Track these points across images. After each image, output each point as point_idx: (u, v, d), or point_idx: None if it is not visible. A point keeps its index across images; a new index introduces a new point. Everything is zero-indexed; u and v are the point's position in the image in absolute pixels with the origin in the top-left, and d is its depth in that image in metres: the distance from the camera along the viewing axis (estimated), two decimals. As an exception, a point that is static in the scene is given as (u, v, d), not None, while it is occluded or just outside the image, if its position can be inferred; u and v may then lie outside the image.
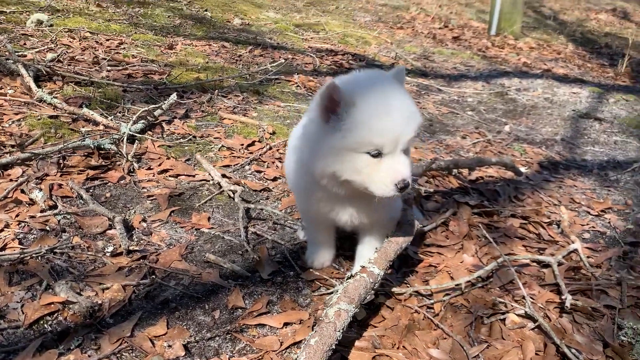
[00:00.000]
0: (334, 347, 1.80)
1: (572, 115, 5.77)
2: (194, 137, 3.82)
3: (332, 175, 1.92)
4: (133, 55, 5.38)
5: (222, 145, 3.77)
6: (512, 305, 2.43)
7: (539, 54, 9.01)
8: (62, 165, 3.10)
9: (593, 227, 3.40)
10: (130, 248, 2.49)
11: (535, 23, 12.25)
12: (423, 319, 2.31)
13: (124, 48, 5.56)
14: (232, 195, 3.10)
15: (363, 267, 2.11)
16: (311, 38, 7.64)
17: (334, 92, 1.80)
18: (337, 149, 1.85)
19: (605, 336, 2.31)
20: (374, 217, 2.22)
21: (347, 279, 2.07)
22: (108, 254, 2.45)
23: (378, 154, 1.84)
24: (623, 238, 3.27)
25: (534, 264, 2.83)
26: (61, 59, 4.78)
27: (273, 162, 3.65)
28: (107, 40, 5.71)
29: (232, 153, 3.70)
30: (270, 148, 3.84)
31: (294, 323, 2.21)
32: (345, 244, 2.68)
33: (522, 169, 4.08)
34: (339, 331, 1.84)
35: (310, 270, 2.52)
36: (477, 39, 9.43)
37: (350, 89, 1.82)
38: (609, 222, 3.48)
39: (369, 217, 2.20)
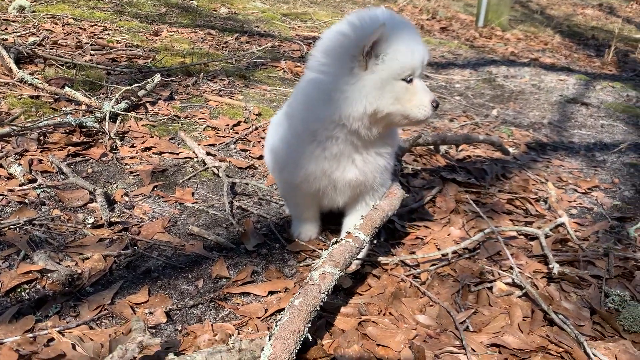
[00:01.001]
0: (318, 308, 1.76)
1: (559, 101, 5.77)
2: (178, 117, 3.77)
3: (374, 113, 1.96)
4: (117, 40, 5.31)
5: (207, 126, 3.72)
6: (499, 274, 2.41)
7: (526, 44, 9.03)
8: (42, 141, 3.03)
9: (580, 203, 3.39)
10: (112, 220, 2.44)
11: (523, 17, 12.28)
12: (409, 287, 2.28)
13: (108, 34, 5.48)
14: (216, 171, 3.06)
15: (348, 232, 2.07)
16: (298, 27, 7.59)
17: (382, 32, 1.86)
18: (379, 83, 1.92)
19: (592, 303, 2.29)
20: (376, 175, 2.22)
21: (332, 245, 2.03)
22: (89, 226, 2.40)
23: (410, 79, 1.96)
24: (610, 214, 3.27)
25: (521, 236, 2.82)
26: (43, 42, 4.69)
27: (259, 142, 3.60)
28: (91, 26, 5.62)
29: (217, 133, 3.65)
30: (257, 128, 3.79)
31: (279, 291, 2.18)
32: (332, 220, 2.64)
33: (510, 150, 4.07)
34: (324, 293, 1.81)
35: (297, 241, 2.47)
36: (464, 30, 9.44)
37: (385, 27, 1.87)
38: (596, 199, 3.48)
39: (372, 170, 2.19)
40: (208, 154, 3.24)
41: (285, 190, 2.52)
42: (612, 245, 2.79)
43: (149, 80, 3.95)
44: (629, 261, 2.65)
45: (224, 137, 3.60)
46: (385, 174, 2.29)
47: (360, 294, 2.20)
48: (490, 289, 2.33)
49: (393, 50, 1.91)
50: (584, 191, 3.59)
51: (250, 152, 3.43)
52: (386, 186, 2.37)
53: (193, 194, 2.86)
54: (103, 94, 3.92)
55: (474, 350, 1.92)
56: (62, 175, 2.77)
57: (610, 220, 3.17)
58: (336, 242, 2.03)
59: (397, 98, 1.95)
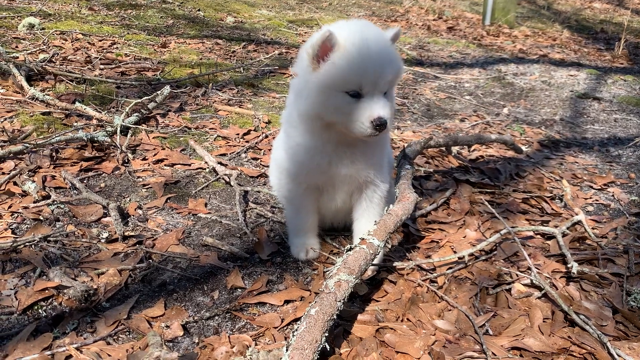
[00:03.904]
0: (335, 317, 1.75)
1: (571, 96, 5.71)
2: (189, 128, 3.78)
3: (317, 116, 2.06)
4: (126, 54, 5.35)
5: (218, 135, 3.73)
6: (517, 276, 2.38)
7: (534, 41, 8.96)
8: (54, 157, 3.05)
9: (596, 200, 3.34)
10: (126, 234, 2.45)
11: (530, 13, 12.21)
12: (427, 292, 2.26)
13: (117, 48, 5.53)
14: (228, 180, 3.05)
15: (362, 239, 2.05)
16: (305, 33, 7.60)
17: (328, 39, 1.92)
18: (321, 89, 1.99)
19: (614, 302, 2.25)
20: (370, 171, 2.26)
21: (346, 252, 2.01)
22: (103, 241, 2.40)
23: (357, 94, 1.97)
24: (628, 209, 3.22)
25: (538, 236, 2.78)
26: (53, 59, 4.74)
27: (269, 150, 3.59)
28: (100, 41, 5.68)
29: (228, 142, 3.66)
30: (267, 136, 3.80)
31: (295, 300, 2.16)
32: (335, 225, 2.63)
33: (523, 148, 4.02)
34: (340, 301, 1.79)
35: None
36: (471, 29, 9.40)
37: (340, 34, 1.94)
38: (613, 195, 3.43)
39: (365, 165, 2.23)
40: (220, 163, 3.24)
41: (287, 192, 2.47)
42: (632, 241, 2.75)
43: (159, 92, 3.96)
44: (650, 258, 2.61)
45: (234, 146, 3.60)
46: (381, 170, 2.32)
47: (377, 301, 2.18)
48: (509, 290, 2.30)
49: (336, 62, 1.94)
50: (599, 187, 3.54)
51: (261, 161, 3.43)
52: (386, 182, 2.38)
53: (206, 204, 2.85)
54: (113, 107, 3.94)
55: (494, 355, 1.89)
56: (75, 191, 2.78)
57: (628, 216, 3.12)
58: (350, 249, 2.01)
59: (337, 108, 1.99)
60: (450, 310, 2.15)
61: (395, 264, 2.38)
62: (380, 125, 1.95)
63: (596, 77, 6.51)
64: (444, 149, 3.70)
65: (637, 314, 2.17)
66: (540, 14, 12.17)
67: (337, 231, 2.65)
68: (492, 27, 9.58)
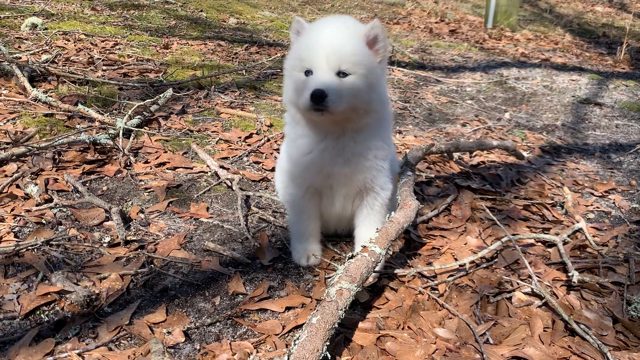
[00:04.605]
0: (336, 325, 1.75)
1: (572, 102, 5.72)
2: (191, 131, 3.79)
3: (289, 101, 2.19)
4: (128, 55, 5.36)
5: (220, 139, 3.73)
6: (518, 284, 2.38)
7: (536, 44, 8.97)
8: (57, 160, 3.06)
9: (597, 207, 3.35)
10: (128, 238, 2.45)
11: (532, 16, 12.22)
12: (427, 300, 2.26)
13: (119, 49, 5.53)
14: (230, 184, 3.06)
15: (364, 246, 2.06)
16: (307, 35, 7.60)
17: (296, 25, 2.13)
18: (288, 72, 2.15)
19: (614, 312, 2.25)
20: (367, 174, 2.28)
21: (348, 259, 2.02)
22: (105, 245, 2.41)
23: (309, 72, 2.05)
24: (629, 217, 3.22)
25: (539, 243, 2.79)
26: (56, 59, 4.75)
27: (271, 154, 3.61)
28: (102, 41, 5.68)
29: (230, 145, 3.66)
30: (268, 140, 3.80)
31: (296, 307, 2.17)
32: (339, 231, 2.64)
33: (524, 154, 4.03)
34: (342, 310, 1.80)
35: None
36: (473, 32, 9.40)
37: (307, 22, 2.13)
38: (614, 203, 3.43)
39: (361, 167, 2.25)
40: (222, 167, 3.25)
41: (289, 195, 2.50)
42: (632, 250, 2.75)
43: (161, 95, 3.97)
44: (650, 266, 2.61)
45: (236, 149, 3.61)
46: (381, 175, 2.31)
47: (378, 308, 2.19)
48: (510, 299, 2.30)
49: (296, 43, 2.12)
50: (600, 194, 3.54)
51: (263, 165, 3.44)
52: (387, 189, 2.37)
53: (208, 208, 2.86)
54: (116, 109, 3.95)
55: (495, 364, 1.90)
56: (77, 194, 2.79)
57: (629, 223, 3.13)
58: (352, 257, 2.02)
59: (296, 89, 2.10)
60: (451, 318, 2.16)
61: (397, 271, 2.38)
62: (315, 97, 1.96)
63: (598, 82, 6.52)
64: (445, 154, 3.70)
65: (638, 323, 2.18)
66: (543, 17, 12.18)
67: (340, 237, 2.66)
68: (494, 30, 9.58)
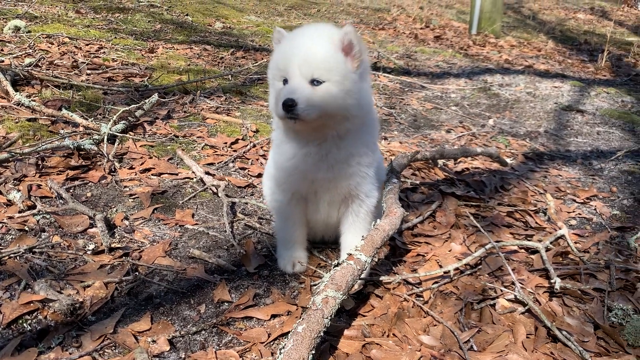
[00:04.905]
0: (322, 334, 1.76)
1: (555, 108, 5.80)
2: (177, 136, 3.77)
3: (272, 110, 2.23)
4: (113, 59, 5.32)
5: (205, 144, 3.72)
6: (501, 291, 2.41)
7: (519, 51, 9.08)
8: (40, 166, 3.03)
9: (579, 214, 3.40)
10: (112, 245, 2.43)
11: (515, 23, 12.36)
12: (412, 307, 2.28)
13: (104, 52, 5.49)
14: (215, 191, 3.06)
15: (350, 254, 2.07)
16: (293, 40, 7.61)
17: (276, 35, 2.18)
18: (269, 81, 2.20)
19: (595, 318, 2.29)
20: (351, 181, 2.29)
21: (334, 267, 2.03)
22: (89, 252, 2.39)
23: (286, 81, 2.09)
24: (609, 224, 3.27)
25: (522, 250, 2.82)
26: (39, 63, 4.70)
27: (257, 159, 3.61)
28: (87, 45, 5.64)
29: (216, 151, 3.66)
30: (254, 145, 3.80)
31: (282, 315, 2.17)
32: (326, 238, 2.65)
33: (508, 160, 4.08)
34: (327, 318, 1.80)
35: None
36: (458, 38, 9.49)
37: (287, 32, 2.18)
38: (595, 209, 3.49)
39: (345, 173, 2.26)
40: (207, 173, 3.24)
41: (275, 202, 2.51)
42: (613, 257, 2.80)
43: (147, 100, 3.95)
44: (630, 273, 2.66)
45: (222, 155, 3.60)
46: (365, 182, 2.33)
47: (364, 315, 2.20)
48: (493, 306, 2.32)
49: (275, 53, 2.17)
50: (582, 201, 3.60)
51: (248, 170, 3.44)
52: (372, 197, 2.39)
53: (193, 215, 2.85)
54: (100, 114, 3.92)
55: (479, 371, 1.92)
56: (61, 201, 2.76)
57: (610, 230, 3.17)
58: (338, 265, 2.03)
59: (275, 97, 2.14)
60: (435, 325, 2.17)
61: (382, 278, 2.40)
62: (285, 105, 2.01)
63: (580, 89, 6.62)
64: (430, 161, 3.73)
65: (618, 329, 2.21)
66: (526, 23, 12.33)
67: (327, 244, 2.67)
68: (478, 36, 9.68)
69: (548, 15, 13.88)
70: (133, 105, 3.87)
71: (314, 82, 2.05)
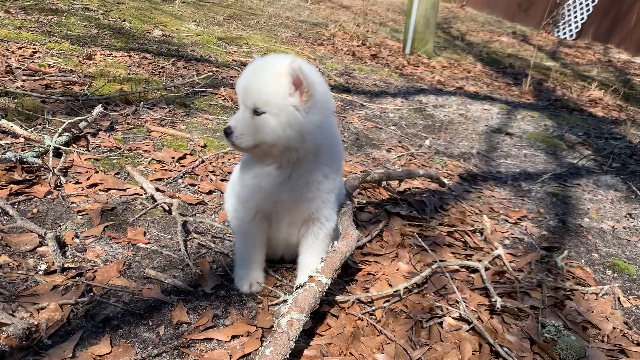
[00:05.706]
0: (287, 356, 1.82)
1: (486, 130, 6.15)
2: (122, 150, 3.71)
3: None
4: (49, 64, 5.13)
5: (152, 159, 3.68)
6: (447, 309, 2.56)
7: (451, 72, 9.52)
8: (-19, 179, 2.90)
9: (512, 234, 3.64)
10: (65, 265, 2.38)
11: (445, 43, 12.92)
12: (367, 326, 2.38)
13: (39, 57, 5.29)
14: (167, 208, 3.04)
15: (311, 276, 2.15)
16: (234, 52, 7.62)
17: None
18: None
19: (531, 334, 2.49)
20: (311, 203, 2.38)
21: (296, 289, 2.10)
22: (41, 272, 2.33)
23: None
24: (539, 243, 3.53)
25: (463, 269, 3.00)
26: (-30, 67, 4.47)
27: (207, 176, 3.61)
28: (20, 48, 5.40)
29: (164, 166, 3.62)
30: (203, 161, 3.80)
31: (242, 336, 2.21)
32: (286, 257, 2.72)
33: (445, 181, 4.30)
34: (292, 340, 1.87)
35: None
36: (393, 57, 9.81)
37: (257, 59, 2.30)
38: (526, 229, 3.75)
39: (306, 197, 2.35)
40: (157, 189, 3.22)
41: (237, 220, 2.56)
42: (544, 276, 3.03)
43: (92, 113, 3.86)
44: (559, 291, 2.90)
45: (170, 170, 3.58)
46: (326, 207, 2.42)
47: (321, 335, 2.28)
48: (441, 324, 2.47)
49: None
50: (514, 221, 3.86)
51: (199, 187, 3.44)
52: (332, 220, 2.49)
53: (145, 233, 2.83)
54: (40, 124, 3.79)
55: (431, 387, 2.04)
56: (6, 217, 2.66)
57: (539, 250, 3.43)
58: (300, 287, 2.10)
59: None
60: (389, 343, 2.29)
61: (337, 297, 2.49)
62: (225, 131, 2.19)
63: (507, 112, 7.04)
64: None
65: (551, 345, 2.41)
66: (455, 44, 12.92)
67: (284, 263, 2.73)
68: (412, 56, 10.05)
69: (474, 37, 14.61)
70: (77, 118, 3.77)
71: (256, 112, 2.14)
